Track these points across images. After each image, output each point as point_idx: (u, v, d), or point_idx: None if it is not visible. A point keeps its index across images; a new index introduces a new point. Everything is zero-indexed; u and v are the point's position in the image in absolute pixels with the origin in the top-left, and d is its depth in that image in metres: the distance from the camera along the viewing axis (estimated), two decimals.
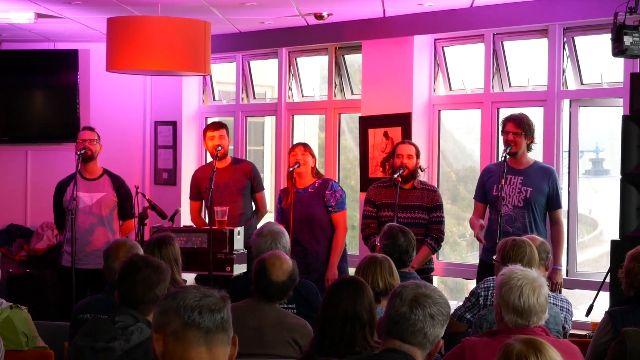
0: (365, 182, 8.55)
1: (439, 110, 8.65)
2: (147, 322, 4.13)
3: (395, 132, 8.49)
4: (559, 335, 4.90)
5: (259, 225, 7.88)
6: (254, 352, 4.74)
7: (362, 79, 8.89)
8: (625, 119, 6.47)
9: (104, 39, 7.50)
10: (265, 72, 10.34)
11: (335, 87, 9.35)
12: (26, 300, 6.18)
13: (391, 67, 8.61)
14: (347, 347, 3.93)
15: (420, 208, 7.39)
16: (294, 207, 7.55)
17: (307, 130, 10.67)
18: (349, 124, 9.94)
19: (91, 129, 7.82)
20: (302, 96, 9.76)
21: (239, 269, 7.16)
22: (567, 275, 7.68)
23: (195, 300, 2.74)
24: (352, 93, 9.34)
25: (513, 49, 8.22)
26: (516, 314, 4.09)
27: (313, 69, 10.35)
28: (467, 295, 5.81)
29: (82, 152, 7.60)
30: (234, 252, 7.10)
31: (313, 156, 7.72)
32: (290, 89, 9.69)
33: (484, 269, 6.86)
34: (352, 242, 9.25)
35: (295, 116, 9.77)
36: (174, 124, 10.33)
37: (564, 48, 7.74)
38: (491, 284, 5.53)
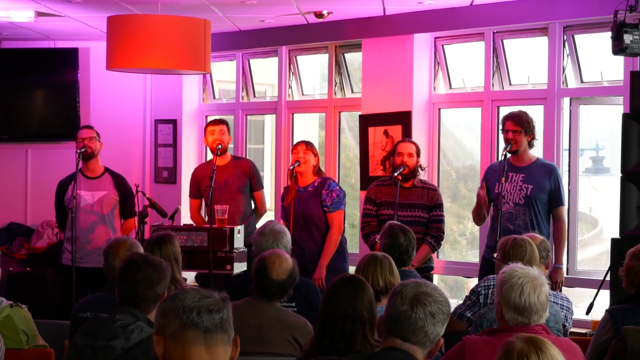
0: (366, 180, 8.55)
1: (439, 109, 8.65)
2: (147, 321, 4.13)
3: (396, 131, 8.49)
4: (559, 334, 4.90)
5: (258, 224, 7.89)
6: (254, 350, 4.74)
7: (362, 77, 8.88)
8: (625, 117, 6.47)
9: (104, 37, 7.49)
10: (265, 70, 10.34)
11: (336, 85, 9.34)
12: (26, 299, 6.19)
13: (391, 65, 8.61)
14: (347, 346, 3.93)
15: (420, 206, 7.39)
16: (293, 206, 7.55)
17: (307, 128, 10.68)
18: (349, 122, 9.94)
19: (89, 127, 7.83)
20: (302, 94, 9.76)
21: (239, 267, 7.16)
22: (567, 274, 7.67)
23: (194, 301, 2.75)
24: (352, 91, 9.34)
25: (513, 47, 8.22)
26: (517, 312, 4.09)
27: (313, 67, 10.36)
28: (467, 293, 5.82)
29: (82, 150, 7.60)
30: (234, 251, 7.10)
31: (315, 155, 7.69)
32: (290, 87, 9.69)
33: (487, 267, 6.85)
34: (352, 241, 9.25)
35: (295, 114, 9.77)
36: (174, 123, 10.33)
37: (564, 46, 7.74)
38: (491, 283, 5.53)
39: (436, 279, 8.61)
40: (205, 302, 2.76)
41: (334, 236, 7.58)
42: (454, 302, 6.36)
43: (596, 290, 6.51)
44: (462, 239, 9.77)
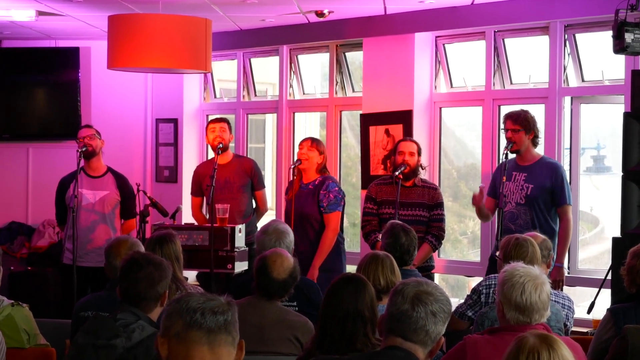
0: (367, 179, 8.55)
1: (440, 108, 8.65)
2: (149, 320, 4.14)
3: (397, 130, 8.49)
4: (560, 333, 4.90)
5: (260, 224, 7.88)
6: (255, 349, 4.74)
7: (363, 77, 8.88)
8: (626, 116, 6.47)
9: (105, 36, 7.49)
10: (266, 69, 10.34)
11: (336, 84, 9.34)
12: (27, 298, 6.18)
13: (392, 64, 8.61)
14: (348, 345, 3.93)
15: (421, 205, 7.39)
16: (293, 203, 7.54)
17: (308, 127, 10.68)
18: (350, 121, 9.94)
19: (89, 126, 7.85)
20: (303, 93, 9.76)
21: (240, 266, 7.16)
22: (568, 273, 7.68)
23: (198, 303, 2.77)
24: (353, 90, 9.34)
25: (514, 46, 8.22)
26: (518, 311, 4.09)
27: (314, 67, 10.35)
28: (468, 292, 5.82)
29: (83, 149, 7.60)
30: (235, 250, 7.10)
31: (321, 152, 7.62)
32: (291, 86, 9.69)
33: (495, 267, 6.84)
34: (353, 240, 9.25)
35: (296, 113, 9.77)
36: (175, 122, 10.33)
37: (565, 45, 7.74)
38: (493, 282, 5.53)
39: (437, 278, 8.61)
40: (210, 304, 2.77)
41: (329, 237, 7.51)
42: (455, 301, 6.36)
43: (597, 289, 6.52)
44: (463, 238, 9.76)
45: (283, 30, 9.30)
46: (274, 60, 9.80)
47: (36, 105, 10.35)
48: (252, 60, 10.09)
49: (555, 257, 6.71)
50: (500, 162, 7.35)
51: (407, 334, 3.35)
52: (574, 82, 7.82)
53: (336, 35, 9.00)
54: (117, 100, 10.47)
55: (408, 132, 8.35)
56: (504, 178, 6.89)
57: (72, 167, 7.76)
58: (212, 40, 7.41)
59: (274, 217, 9.04)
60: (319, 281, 7.23)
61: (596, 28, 7.59)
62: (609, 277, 6.35)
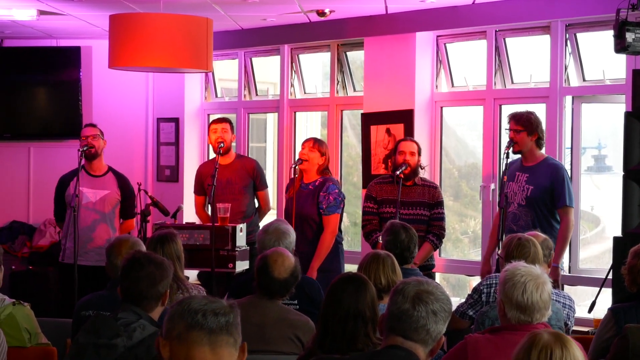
0: (368, 179, 8.55)
1: (441, 107, 8.65)
2: (150, 319, 4.14)
3: (398, 129, 8.49)
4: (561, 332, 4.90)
5: (262, 223, 7.88)
6: (256, 348, 4.74)
7: (365, 76, 8.88)
8: (627, 115, 6.47)
9: (106, 35, 7.49)
10: (267, 68, 10.34)
11: (338, 83, 9.34)
12: (29, 297, 6.17)
13: (393, 63, 8.61)
14: (349, 344, 3.93)
15: (421, 204, 7.39)
16: (292, 202, 7.53)
17: (310, 127, 10.68)
18: (351, 120, 9.94)
19: (93, 126, 7.84)
20: (304, 93, 9.76)
21: (241, 265, 7.16)
22: (569, 272, 7.68)
23: (200, 305, 2.78)
24: (355, 90, 9.33)
25: (515, 45, 8.22)
26: (519, 310, 4.09)
27: (315, 66, 10.35)
28: (469, 292, 5.82)
29: (85, 148, 7.61)
30: (236, 249, 7.10)
31: (322, 154, 7.61)
32: (292, 85, 9.69)
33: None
34: (354, 239, 9.26)
35: (297, 113, 9.77)
36: (176, 121, 10.33)
37: (566, 44, 7.74)
38: (494, 281, 5.54)
39: (438, 277, 8.61)
40: (212, 306, 2.79)
41: (327, 239, 7.49)
42: (456, 301, 6.36)
43: (598, 288, 6.52)
44: (464, 237, 9.77)
45: (284, 29, 9.30)
46: (275, 60, 9.80)
47: (37, 105, 10.35)
48: (253, 59, 10.09)
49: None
50: (501, 161, 7.35)
51: (408, 333, 3.35)
52: (575, 81, 7.82)
53: (337, 34, 9.00)
54: (119, 100, 10.47)
55: (409, 132, 8.35)
56: (505, 178, 6.89)
57: (73, 166, 7.76)
58: (214, 39, 7.41)
59: (275, 217, 9.04)
60: (320, 281, 7.23)
61: (597, 27, 7.59)
62: (610, 276, 6.35)
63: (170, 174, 10.39)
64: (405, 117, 8.47)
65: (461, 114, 9.35)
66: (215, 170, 7.40)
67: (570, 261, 7.70)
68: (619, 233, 6.46)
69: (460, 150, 10.00)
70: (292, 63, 9.66)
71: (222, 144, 7.79)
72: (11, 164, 10.54)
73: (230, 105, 10.31)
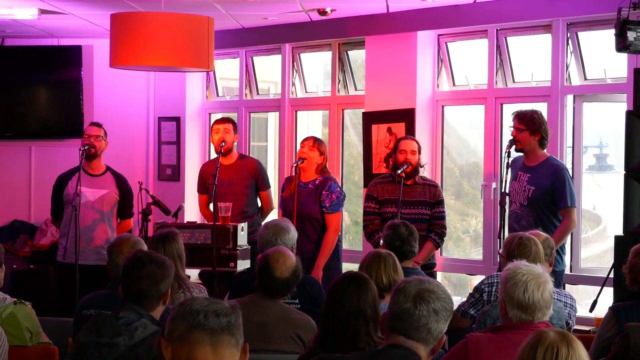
0: (369, 178, 8.55)
1: (443, 106, 8.64)
2: (151, 318, 4.14)
3: (399, 128, 8.49)
4: None
5: (263, 223, 7.88)
6: (258, 347, 4.74)
7: (366, 75, 8.88)
8: (629, 114, 6.48)
9: (107, 34, 7.49)
10: (268, 68, 10.34)
11: (339, 82, 9.34)
12: (30, 296, 6.18)
13: (394, 62, 8.61)
14: (350, 343, 3.93)
15: (422, 204, 7.39)
16: (292, 201, 7.53)
17: (311, 126, 10.67)
18: (353, 119, 9.94)
19: (99, 125, 7.81)
20: (306, 92, 9.76)
21: (243, 264, 7.16)
22: (570, 271, 7.68)
23: (202, 306, 2.79)
24: (356, 89, 9.33)
25: (516, 44, 8.22)
26: (520, 310, 4.09)
27: (316, 65, 10.35)
28: (470, 291, 5.82)
29: (86, 147, 7.60)
30: (238, 248, 7.10)
31: (322, 153, 7.63)
32: (293, 84, 9.69)
33: None
34: (356, 238, 9.26)
35: (298, 112, 9.77)
36: (177, 120, 10.33)
37: (567, 43, 7.73)
38: (495, 280, 5.54)
39: (440, 276, 8.62)
40: (213, 307, 2.80)
41: (331, 238, 7.53)
42: (457, 300, 6.36)
43: (600, 287, 6.52)
44: (465, 236, 9.77)
45: (285, 28, 9.30)
46: (277, 59, 9.80)
47: (38, 104, 10.35)
48: (254, 58, 10.08)
49: None
50: (503, 160, 7.34)
51: (409, 332, 3.35)
52: (576, 80, 7.82)
53: (338, 33, 9.00)
54: (120, 99, 10.47)
55: (410, 131, 8.35)
56: (506, 177, 6.89)
57: (74, 165, 7.76)
58: (215, 38, 7.41)
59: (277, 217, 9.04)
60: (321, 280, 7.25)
61: (599, 26, 7.58)
62: (611, 275, 6.35)
63: (172, 173, 10.39)
64: (407, 116, 8.47)
65: (462, 113, 9.35)
66: (216, 170, 7.40)
67: (571, 260, 7.70)
68: (620, 232, 6.46)
69: (461, 149, 10.01)
70: (293, 62, 9.66)
71: (223, 144, 7.79)
72: (12, 163, 10.55)
73: (232, 104, 10.31)
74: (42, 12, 8.50)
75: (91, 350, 4.02)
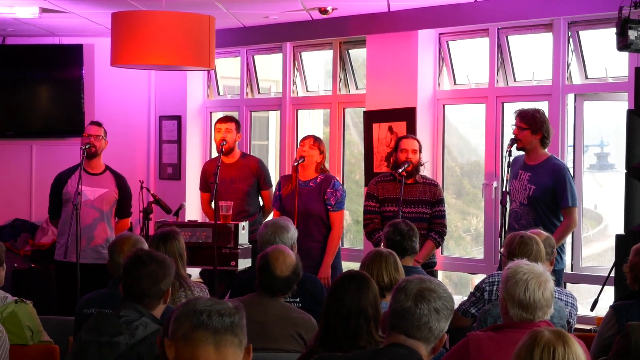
0: (370, 176, 8.55)
1: (444, 105, 8.64)
2: (152, 317, 4.14)
3: (400, 127, 8.49)
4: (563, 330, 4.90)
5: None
6: (259, 346, 4.74)
7: (367, 74, 8.88)
8: (630, 113, 6.48)
9: (108, 33, 7.49)
10: (269, 66, 10.34)
11: (340, 81, 9.34)
12: (31, 295, 6.19)
13: (396, 61, 8.61)
14: (351, 342, 3.93)
15: (423, 202, 7.39)
16: (293, 199, 7.53)
17: (312, 125, 10.67)
18: (354, 118, 9.94)
19: (99, 125, 7.80)
20: (307, 91, 9.76)
21: (244, 263, 7.17)
22: (571, 270, 7.68)
23: (205, 306, 2.81)
24: (357, 87, 9.33)
25: (518, 43, 8.22)
26: (521, 308, 4.09)
27: (317, 64, 10.35)
28: (471, 290, 5.82)
29: (87, 146, 7.60)
30: (239, 247, 7.11)
31: (321, 152, 7.66)
32: (294, 83, 9.69)
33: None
34: (357, 237, 9.26)
35: (299, 111, 9.77)
36: (178, 119, 10.33)
37: (568, 42, 7.73)
38: (496, 279, 5.54)
39: (440, 275, 8.62)
40: (217, 306, 2.81)
41: (337, 235, 7.60)
42: (458, 299, 6.36)
43: (601, 286, 6.52)
44: (466, 235, 9.77)
45: (286, 27, 9.30)
46: (278, 58, 9.81)
47: (40, 103, 10.35)
48: (255, 57, 10.08)
49: None
50: (504, 159, 7.34)
51: (410, 331, 3.35)
52: (577, 79, 7.82)
53: (339, 32, 9.00)
54: (121, 98, 10.47)
55: (411, 130, 8.34)
56: (508, 176, 6.89)
57: (75, 164, 7.76)
58: (216, 37, 7.41)
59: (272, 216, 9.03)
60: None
61: (600, 25, 7.58)
62: (612, 274, 6.35)
63: (173, 171, 10.39)
64: (408, 115, 8.47)
65: (463, 111, 9.35)
66: (217, 169, 7.40)
67: (572, 259, 7.70)
68: (621, 231, 6.46)
69: (462, 148, 10.00)
70: (294, 61, 9.66)
71: (224, 143, 7.79)
72: (13, 161, 10.55)
73: (233, 103, 10.31)
74: (43, 10, 8.50)
75: (92, 349, 4.02)
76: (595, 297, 6.42)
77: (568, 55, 7.75)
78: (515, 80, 8.22)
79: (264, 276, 4.97)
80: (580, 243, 7.77)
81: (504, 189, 6.86)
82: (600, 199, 8.92)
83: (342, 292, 4.02)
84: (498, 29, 8.14)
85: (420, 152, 7.45)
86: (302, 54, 9.66)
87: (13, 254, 9.89)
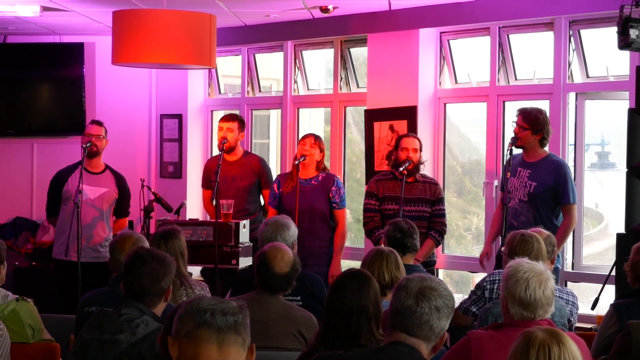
0: (371, 175, 8.55)
1: (445, 104, 8.64)
2: (153, 315, 4.15)
3: (401, 126, 8.49)
4: (564, 329, 4.90)
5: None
6: (260, 345, 4.72)
7: (368, 72, 8.88)
8: (631, 112, 6.48)
9: (109, 32, 7.50)
10: (270, 65, 10.33)
11: (341, 80, 9.34)
12: (32, 293, 6.19)
13: (397, 60, 8.60)
14: (352, 340, 3.93)
15: (423, 201, 7.40)
16: (294, 198, 7.54)
17: (313, 123, 10.67)
18: (355, 117, 9.94)
19: (99, 124, 7.79)
20: (308, 89, 9.76)
21: (245, 261, 7.17)
22: (572, 269, 7.68)
23: (209, 305, 2.82)
24: (358, 86, 9.33)
25: (519, 42, 8.21)
26: (522, 307, 4.09)
27: (319, 62, 10.35)
28: (472, 288, 5.82)
29: (88, 145, 7.59)
30: (240, 245, 7.11)
31: (322, 150, 7.69)
32: (295, 82, 9.69)
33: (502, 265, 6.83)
34: (357, 236, 9.26)
35: (300, 109, 9.77)
36: (179, 117, 10.33)
37: (569, 41, 7.73)
38: (497, 277, 5.54)
39: (441, 273, 8.62)
40: (221, 305, 2.83)
41: (344, 233, 7.67)
42: (459, 297, 6.36)
43: (602, 285, 6.52)
44: (467, 234, 9.77)
45: (287, 26, 9.30)
46: (279, 56, 9.81)
47: (41, 101, 10.35)
48: (256, 56, 10.08)
49: None
50: (505, 158, 7.34)
51: (411, 329, 3.35)
52: (578, 78, 7.81)
53: (341, 31, 9.00)
54: (122, 96, 10.47)
55: (412, 128, 8.34)
56: (509, 174, 6.89)
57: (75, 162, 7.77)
58: (217, 35, 7.41)
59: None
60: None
61: (601, 24, 7.58)
62: (613, 273, 6.35)
63: (174, 170, 10.39)
64: (409, 114, 8.47)
65: (464, 110, 9.35)
66: (218, 167, 7.41)
67: (573, 258, 7.70)
68: (622, 230, 6.46)
69: (463, 146, 10.00)
70: (295, 59, 9.66)
71: (224, 142, 7.80)
72: (14, 160, 10.55)
73: (234, 102, 10.31)
74: (44, 9, 8.50)
75: (93, 347, 4.02)
76: (596, 295, 6.43)
77: (569, 54, 7.75)
78: (516, 79, 8.22)
79: (263, 274, 4.97)
80: (581, 242, 7.77)
81: (505, 188, 6.87)
82: (601, 198, 8.91)
83: (343, 290, 4.03)
84: (499, 27, 8.14)
85: (420, 150, 7.45)
86: (303, 52, 9.66)
87: (14, 252, 9.90)
